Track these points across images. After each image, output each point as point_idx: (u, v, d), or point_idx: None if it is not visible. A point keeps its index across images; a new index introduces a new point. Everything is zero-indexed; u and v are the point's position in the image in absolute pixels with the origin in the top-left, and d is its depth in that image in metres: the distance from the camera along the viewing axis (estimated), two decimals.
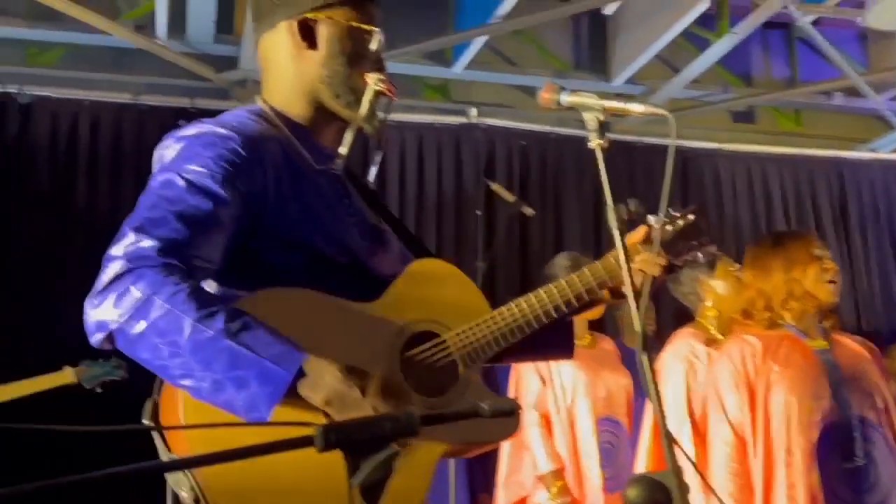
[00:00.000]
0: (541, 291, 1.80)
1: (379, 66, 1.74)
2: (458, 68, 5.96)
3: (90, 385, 3.98)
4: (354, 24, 1.72)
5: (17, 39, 5.52)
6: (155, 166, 1.59)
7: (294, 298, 1.53)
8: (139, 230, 1.42)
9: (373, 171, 1.88)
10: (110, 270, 1.39)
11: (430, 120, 5.94)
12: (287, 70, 1.73)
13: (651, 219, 1.78)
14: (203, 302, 1.38)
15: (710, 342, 3.40)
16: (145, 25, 5.52)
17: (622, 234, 1.51)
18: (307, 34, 1.72)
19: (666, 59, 6.39)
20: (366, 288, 1.64)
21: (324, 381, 1.38)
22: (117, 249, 1.40)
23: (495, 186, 4.90)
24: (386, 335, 1.61)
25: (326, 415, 1.39)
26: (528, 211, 4.75)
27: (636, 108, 1.53)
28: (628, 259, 1.50)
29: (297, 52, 1.72)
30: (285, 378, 1.37)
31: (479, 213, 5.30)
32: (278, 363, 1.36)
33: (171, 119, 5.24)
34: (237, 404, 1.36)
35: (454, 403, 1.61)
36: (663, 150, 6.18)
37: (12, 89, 5.25)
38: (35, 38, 5.50)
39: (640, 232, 1.85)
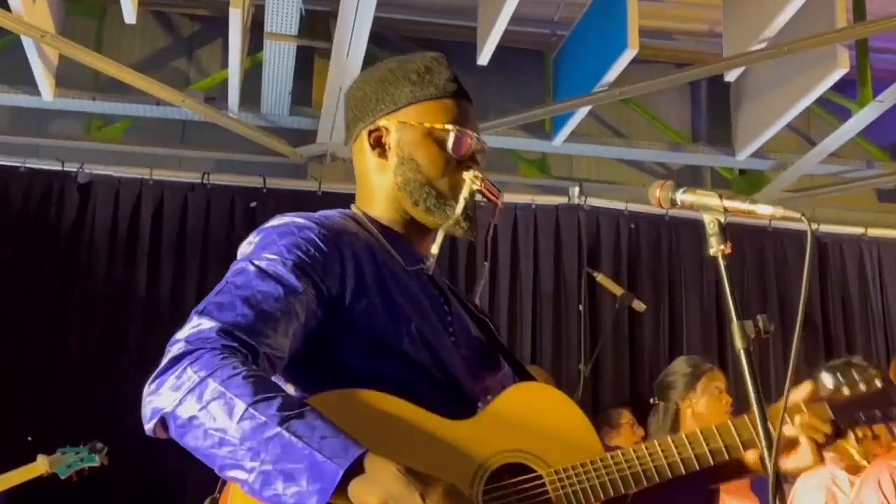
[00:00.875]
0: (669, 438, 1.72)
1: (468, 165, 1.77)
2: (559, 141, 5.74)
3: (65, 475, 3.94)
4: (427, 124, 1.76)
5: (80, 112, 5.58)
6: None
7: (370, 401, 1.54)
8: (203, 313, 1.48)
9: (479, 288, 2.02)
10: (170, 353, 1.44)
11: (526, 199, 5.83)
12: (371, 179, 1.81)
13: (825, 378, 1.74)
14: (260, 387, 1.40)
15: (853, 469, 3.32)
16: (216, 97, 5.54)
17: (749, 358, 1.45)
18: (378, 142, 1.79)
19: (799, 129, 6.31)
20: (456, 404, 1.65)
21: (380, 480, 1.38)
22: (180, 333, 1.47)
23: (600, 277, 4.70)
24: (468, 462, 1.59)
25: None
26: (639, 305, 4.52)
27: (765, 210, 1.50)
28: (757, 383, 1.43)
29: (376, 160, 1.79)
30: (335, 473, 1.36)
31: (581, 307, 5.07)
32: (331, 457, 1.36)
33: (243, 199, 5.35)
34: (286, 501, 1.36)
35: None
36: (794, 234, 5.99)
37: (72, 167, 5.21)
38: (98, 111, 5.54)
39: (806, 389, 1.75)
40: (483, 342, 1.84)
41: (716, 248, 1.49)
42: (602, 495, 1.64)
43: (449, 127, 1.77)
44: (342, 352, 1.60)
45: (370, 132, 1.80)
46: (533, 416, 1.66)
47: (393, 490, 1.36)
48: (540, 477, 1.62)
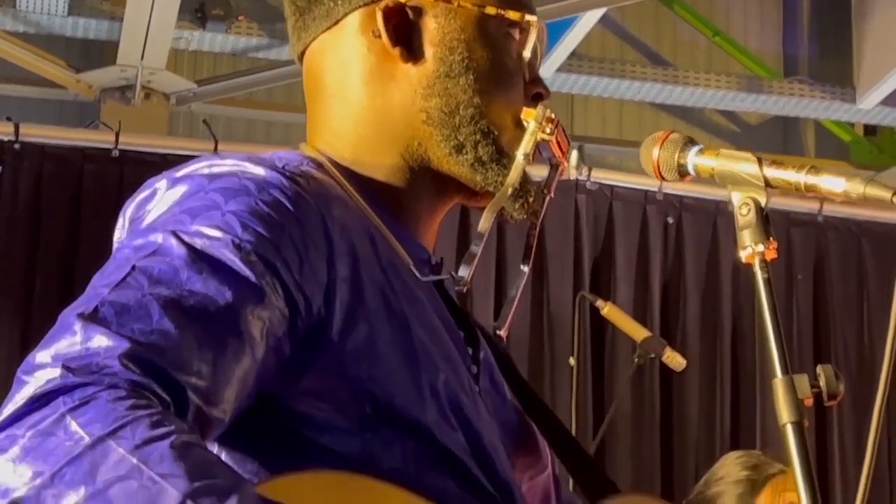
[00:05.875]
0: None
1: (538, 91, 1.73)
2: (548, 70, 5.47)
3: None
4: (493, 10, 1.71)
5: None
6: (121, 232, 1.58)
7: (371, 496, 1.50)
8: (91, 319, 1.37)
9: (509, 312, 1.85)
10: (30, 386, 1.32)
11: None
12: (359, 99, 1.73)
13: None
14: (201, 465, 1.29)
15: None
16: None
17: (802, 437, 1.45)
18: (402, 31, 1.71)
19: None
20: None
21: None
22: (45, 351, 1.34)
23: (608, 309, 4.47)
24: None
25: None
26: (675, 359, 4.29)
27: (833, 184, 1.50)
28: (813, 483, 1.44)
29: (380, 64, 1.72)
30: None
31: (572, 360, 4.80)
32: None
33: None
34: None
35: None
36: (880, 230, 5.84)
37: None
38: None
39: None
40: (518, 411, 1.77)
41: (751, 249, 1.48)
42: None
43: (530, 19, 1.71)
44: (316, 426, 1.53)
45: (386, 11, 1.70)
46: None
47: None
48: None
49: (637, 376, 4.95)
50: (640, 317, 5.02)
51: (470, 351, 1.71)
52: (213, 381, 1.44)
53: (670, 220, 5.66)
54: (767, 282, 1.49)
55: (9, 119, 5.06)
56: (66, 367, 1.35)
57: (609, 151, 6.09)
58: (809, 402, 1.47)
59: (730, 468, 3.89)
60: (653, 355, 4.35)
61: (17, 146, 5.04)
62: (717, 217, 5.72)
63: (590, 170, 5.57)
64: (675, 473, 5.46)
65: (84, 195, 4.90)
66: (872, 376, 5.52)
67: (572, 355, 4.83)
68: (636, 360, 4.41)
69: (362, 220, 1.65)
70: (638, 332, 4.39)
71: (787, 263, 5.73)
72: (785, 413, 1.44)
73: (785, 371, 1.45)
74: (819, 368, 1.47)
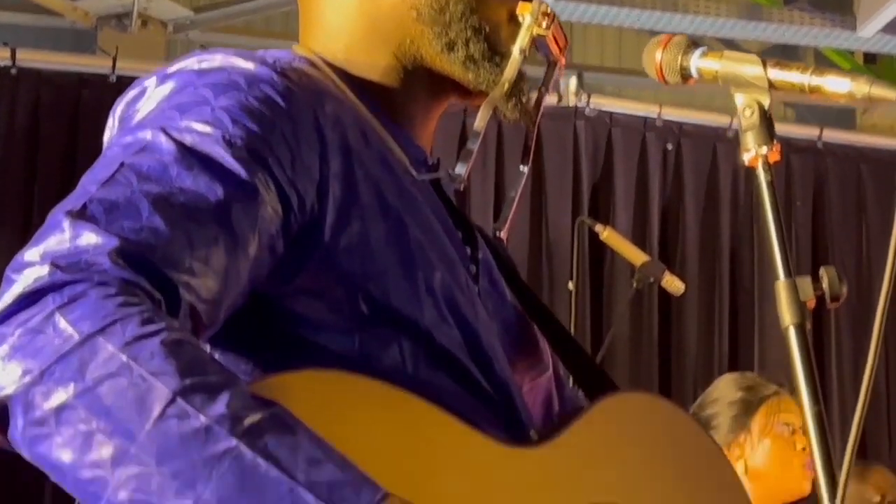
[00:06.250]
0: None
1: None
2: None
3: None
4: None
5: None
6: (112, 132, 1.56)
7: (372, 398, 1.50)
8: (80, 216, 1.36)
9: (509, 213, 1.88)
10: (19, 284, 1.32)
11: None
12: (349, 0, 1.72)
13: None
14: (194, 363, 1.30)
15: None
16: None
17: (805, 341, 1.46)
18: None
19: None
20: (500, 420, 1.61)
21: None
22: (35, 249, 1.34)
23: (607, 234, 4.51)
24: None
25: None
26: (674, 284, 4.32)
27: (837, 85, 1.49)
28: (816, 387, 1.46)
29: None
30: None
31: (571, 285, 4.90)
32: (329, 500, 1.28)
33: None
34: None
35: None
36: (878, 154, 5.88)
37: None
38: None
39: None
40: (519, 312, 1.75)
41: (754, 151, 1.47)
42: None
43: None
44: (312, 322, 1.53)
45: None
46: (645, 451, 1.72)
47: None
48: None
49: (636, 300, 5.01)
50: (639, 242, 5.05)
51: (468, 251, 1.71)
52: (205, 278, 1.43)
53: (669, 146, 5.67)
54: (770, 184, 1.50)
55: (5, 44, 5.08)
56: (54, 265, 1.35)
57: (608, 80, 6.08)
58: (812, 303, 1.48)
59: (724, 390, 3.91)
60: (652, 279, 4.43)
61: (13, 71, 5.05)
62: (716, 143, 5.73)
63: (589, 96, 5.58)
64: (673, 397, 5.37)
65: (81, 121, 4.87)
66: (871, 301, 5.61)
67: (571, 280, 4.96)
68: (635, 284, 4.47)
69: (356, 117, 1.63)
70: (637, 257, 4.45)
71: (786, 190, 5.73)
72: (787, 315, 1.46)
73: (787, 274, 1.47)
74: (822, 270, 1.49)
